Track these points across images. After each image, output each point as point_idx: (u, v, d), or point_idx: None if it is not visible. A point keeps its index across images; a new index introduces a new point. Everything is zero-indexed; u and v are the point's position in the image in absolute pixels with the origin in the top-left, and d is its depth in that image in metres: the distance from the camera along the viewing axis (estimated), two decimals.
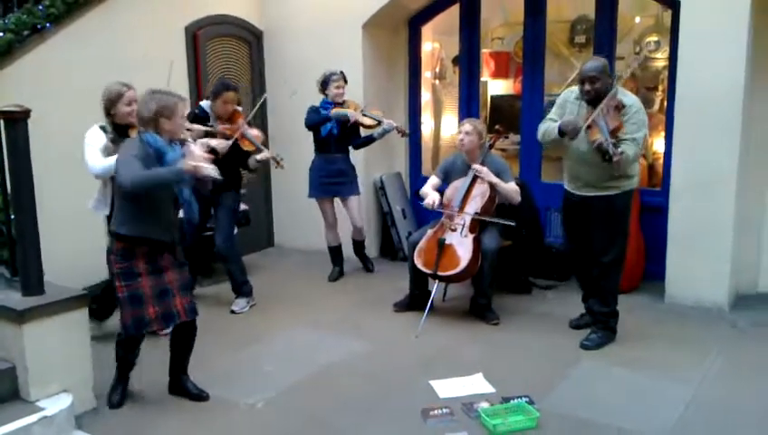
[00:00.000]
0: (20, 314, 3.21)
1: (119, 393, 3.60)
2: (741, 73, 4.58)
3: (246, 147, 4.96)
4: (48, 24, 4.77)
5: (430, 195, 4.84)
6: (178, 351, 3.67)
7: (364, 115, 5.50)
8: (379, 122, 5.53)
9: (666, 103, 5.36)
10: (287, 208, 6.75)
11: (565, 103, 4.23)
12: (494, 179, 4.71)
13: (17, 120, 3.27)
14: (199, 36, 5.98)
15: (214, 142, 4.71)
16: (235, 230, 5.70)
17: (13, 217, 3.43)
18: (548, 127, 4.20)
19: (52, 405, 3.24)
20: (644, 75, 6.84)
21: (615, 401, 3.56)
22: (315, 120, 5.45)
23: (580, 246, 4.36)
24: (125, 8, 5.31)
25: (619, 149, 3.81)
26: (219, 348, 4.33)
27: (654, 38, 6.68)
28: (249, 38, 6.53)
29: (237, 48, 6.44)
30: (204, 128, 4.74)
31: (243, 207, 6.03)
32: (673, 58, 5.12)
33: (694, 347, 4.24)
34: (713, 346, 4.25)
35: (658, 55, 6.63)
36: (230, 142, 4.78)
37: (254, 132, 5.07)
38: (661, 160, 5.57)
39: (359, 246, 5.93)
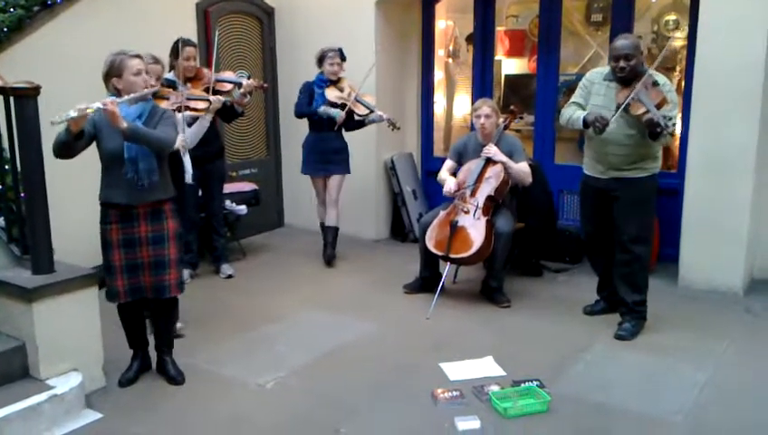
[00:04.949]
0: (30, 293, 3.20)
1: (130, 373, 3.61)
2: (762, 53, 4.48)
3: (225, 88, 4.97)
4: (58, 0, 4.72)
5: (448, 181, 4.79)
6: (154, 328, 3.68)
7: (357, 101, 5.39)
8: (371, 110, 5.42)
9: (684, 84, 5.27)
10: (297, 189, 6.71)
11: (591, 85, 4.05)
12: (504, 159, 4.65)
13: (27, 97, 3.24)
14: (210, 13, 5.92)
15: (201, 107, 4.75)
16: (245, 210, 5.71)
17: (23, 195, 3.42)
18: (572, 115, 4.02)
19: (61, 383, 3.24)
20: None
21: (627, 385, 3.53)
22: (302, 113, 5.49)
23: (601, 233, 4.22)
24: None
25: (671, 121, 3.65)
26: (230, 328, 4.34)
27: (672, 17, 6.56)
28: (261, 15, 6.47)
29: (249, 25, 6.38)
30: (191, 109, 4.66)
31: (253, 186, 6.03)
32: (691, 38, 5.02)
33: (708, 331, 4.19)
34: (727, 330, 4.20)
35: (677, 35, 6.51)
36: (212, 97, 4.72)
37: (225, 73, 5.18)
38: (678, 142, 5.49)
39: (330, 232, 5.64)
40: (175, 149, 4.11)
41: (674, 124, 3.65)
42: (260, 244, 6.33)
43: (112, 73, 3.30)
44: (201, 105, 4.64)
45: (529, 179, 4.73)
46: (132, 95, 3.26)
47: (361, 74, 5.44)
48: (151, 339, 3.73)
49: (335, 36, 5.81)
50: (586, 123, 3.88)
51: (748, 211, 4.69)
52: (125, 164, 3.29)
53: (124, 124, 3.16)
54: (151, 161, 3.33)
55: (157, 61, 4.22)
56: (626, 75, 3.81)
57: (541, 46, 5.97)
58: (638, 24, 5.89)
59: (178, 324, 4.16)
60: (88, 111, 3.08)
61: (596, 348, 3.98)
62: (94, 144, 3.36)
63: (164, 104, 4.00)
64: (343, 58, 5.42)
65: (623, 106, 3.72)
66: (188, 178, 4.44)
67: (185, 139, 4.31)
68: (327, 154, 5.51)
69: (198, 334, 4.20)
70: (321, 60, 5.43)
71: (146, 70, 3.40)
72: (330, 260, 5.62)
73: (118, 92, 3.30)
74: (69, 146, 3.19)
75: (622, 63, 3.80)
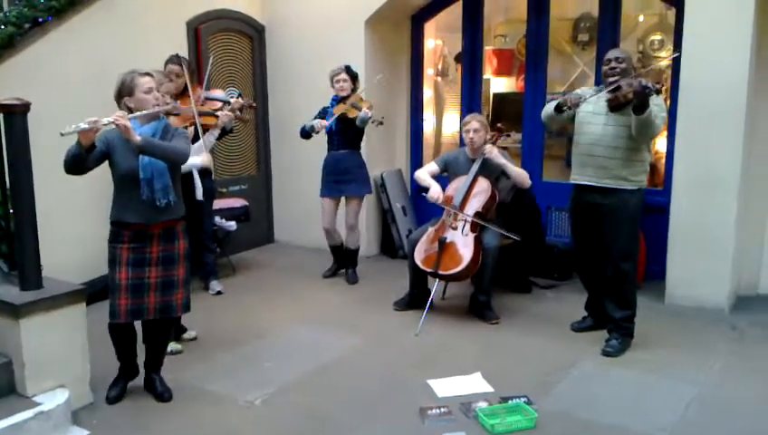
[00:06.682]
0: (17, 309, 3.19)
1: (117, 389, 3.59)
2: (745, 71, 4.55)
3: (215, 106, 4.95)
4: (49, 17, 4.75)
5: (434, 186, 4.82)
6: (148, 347, 3.64)
7: (353, 107, 5.31)
8: (359, 110, 5.33)
9: (669, 102, 5.34)
10: (287, 205, 6.74)
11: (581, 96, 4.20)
12: (503, 160, 4.72)
13: (17, 114, 3.25)
14: (201, 31, 5.95)
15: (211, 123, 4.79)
16: (235, 226, 5.72)
17: (11, 210, 3.41)
18: (548, 105, 4.20)
19: (48, 400, 3.22)
20: (647, 74, 6.80)
21: (614, 402, 3.54)
22: (302, 133, 5.48)
23: (590, 249, 4.26)
24: (127, 2, 5.29)
25: (659, 84, 3.76)
26: (219, 344, 4.33)
27: (658, 36, 6.66)
28: (251, 33, 6.51)
29: (239, 43, 6.43)
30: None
31: (243, 202, 6.04)
32: (676, 57, 5.09)
33: (694, 348, 4.22)
34: (713, 347, 4.23)
35: (662, 54, 6.60)
36: (220, 113, 4.77)
37: (215, 91, 5.20)
38: (663, 160, 5.55)
39: (348, 255, 5.67)
40: (202, 168, 4.52)
41: (660, 88, 3.75)
42: (250, 260, 6.33)
43: (124, 92, 3.33)
44: (210, 121, 4.71)
45: (528, 181, 4.81)
46: (144, 112, 3.28)
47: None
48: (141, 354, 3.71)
49: (325, 54, 5.87)
50: (559, 105, 4.05)
51: (734, 228, 4.74)
52: (140, 184, 3.29)
53: (137, 138, 3.17)
54: (166, 179, 3.33)
55: (171, 80, 4.39)
56: (617, 75, 3.96)
57: (528, 65, 6.04)
58: (624, 43, 5.97)
59: (179, 345, 4.18)
60: (99, 124, 3.10)
61: (583, 365, 3.99)
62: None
63: (172, 120, 4.00)
64: (350, 74, 5.40)
65: (611, 88, 3.89)
66: (199, 195, 4.52)
67: (207, 153, 4.53)
68: (338, 174, 5.44)
69: (187, 351, 4.19)
70: (331, 80, 5.43)
71: (157, 88, 3.43)
72: (354, 282, 5.62)
73: (130, 111, 3.30)
74: (80, 160, 3.18)
75: (614, 64, 3.99)
